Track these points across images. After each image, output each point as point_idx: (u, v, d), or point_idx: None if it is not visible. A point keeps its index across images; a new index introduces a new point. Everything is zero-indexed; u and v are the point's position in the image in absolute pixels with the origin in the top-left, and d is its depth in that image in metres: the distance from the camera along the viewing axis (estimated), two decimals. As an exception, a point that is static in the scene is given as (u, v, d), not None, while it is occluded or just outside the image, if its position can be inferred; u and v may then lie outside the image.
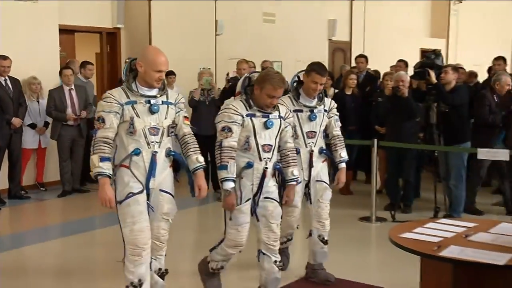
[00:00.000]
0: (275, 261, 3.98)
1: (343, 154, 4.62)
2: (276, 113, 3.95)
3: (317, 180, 4.54)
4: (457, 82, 6.81)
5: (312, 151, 4.47)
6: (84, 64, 8.58)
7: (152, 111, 3.57)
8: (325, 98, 4.59)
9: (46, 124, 8.01)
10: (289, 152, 4.10)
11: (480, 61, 12.47)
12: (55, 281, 4.95)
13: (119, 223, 3.62)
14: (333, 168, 4.85)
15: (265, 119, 3.89)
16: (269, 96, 3.81)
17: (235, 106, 3.86)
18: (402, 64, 8.80)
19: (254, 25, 11.01)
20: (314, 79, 4.33)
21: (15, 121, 7.39)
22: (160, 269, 3.82)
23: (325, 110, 4.54)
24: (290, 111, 4.23)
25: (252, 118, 3.86)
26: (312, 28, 12.29)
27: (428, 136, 6.77)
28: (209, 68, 9.25)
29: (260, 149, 3.89)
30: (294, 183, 4.11)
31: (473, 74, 9.41)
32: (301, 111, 4.44)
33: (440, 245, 3.11)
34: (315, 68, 4.37)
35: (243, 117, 3.83)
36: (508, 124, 6.70)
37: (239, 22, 10.64)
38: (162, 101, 3.62)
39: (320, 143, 4.55)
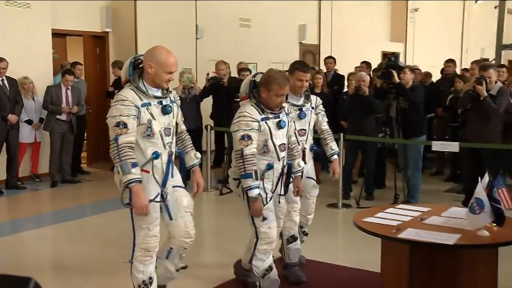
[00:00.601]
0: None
1: (334, 146, 4.44)
2: (283, 112, 3.74)
3: (307, 177, 4.32)
4: (413, 81, 6.91)
5: (305, 148, 4.23)
6: (73, 64, 8.52)
7: (166, 111, 3.25)
8: (311, 96, 4.37)
9: (41, 120, 7.94)
10: (294, 146, 3.91)
11: (434, 63, 12.62)
12: (49, 262, 4.93)
13: (132, 226, 3.30)
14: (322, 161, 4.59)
15: (277, 120, 3.66)
16: (277, 96, 3.57)
17: (250, 113, 3.57)
18: (365, 65, 8.87)
19: (231, 30, 10.97)
20: (299, 77, 4.08)
21: (11, 117, 7.34)
22: (182, 267, 3.59)
23: (312, 107, 4.32)
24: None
25: (267, 121, 3.61)
26: (284, 32, 12.28)
27: (389, 130, 6.85)
28: (190, 69, 9.20)
29: (278, 149, 3.67)
30: (301, 173, 3.95)
31: (428, 75, 9.53)
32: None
33: (399, 228, 3.14)
34: (297, 66, 4.15)
35: (259, 123, 3.57)
36: (465, 121, 6.79)
37: (217, 26, 10.60)
38: (170, 101, 3.32)
39: (310, 140, 4.33)
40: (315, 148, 4.39)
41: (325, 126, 4.45)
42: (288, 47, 12.38)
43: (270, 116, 3.63)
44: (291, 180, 3.87)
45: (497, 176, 3.13)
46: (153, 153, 3.21)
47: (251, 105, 3.62)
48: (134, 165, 3.09)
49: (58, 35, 8.93)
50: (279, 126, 3.66)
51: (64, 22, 8.83)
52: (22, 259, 4.95)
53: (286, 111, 3.79)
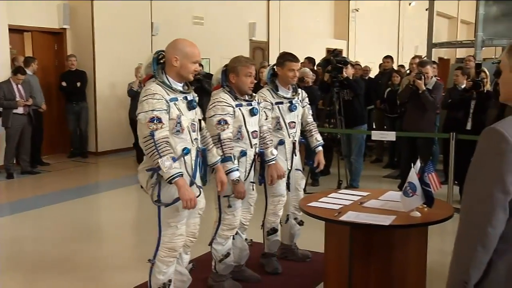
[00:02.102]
0: (246, 239, 3.90)
1: (319, 137, 4.33)
2: (255, 101, 3.67)
3: (296, 169, 4.22)
4: (354, 76, 7.06)
5: (295, 140, 4.11)
6: (27, 60, 8.27)
7: (191, 107, 3.05)
8: (298, 89, 4.22)
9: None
10: (266, 134, 3.78)
11: (373, 59, 12.88)
12: (8, 249, 4.78)
13: (158, 224, 3.05)
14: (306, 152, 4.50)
15: (250, 107, 3.59)
16: (247, 76, 3.50)
17: (224, 98, 3.47)
18: (307, 61, 8.96)
19: (185, 27, 10.84)
20: (290, 67, 3.97)
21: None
22: (192, 263, 3.41)
23: (300, 100, 4.18)
24: (272, 103, 3.96)
25: (240, 108, 3.53)
26: (235, 30, 12.25)
27: (333, 121, 6.96)
28: (147, 64, 9.07)
29: (251, 136, 3.59)
30: (274, 162, 3.80)
31: (367, 68, 9.73)
32: (281, 103, 4.02)
33: (340, 211, 3.17)
34: (288, 57, 4.02)
35: (233, 108, 3.48)
36: (403, 113, 6.97)
37: (172, 24, 10.46)
38: (193, 96, 3.12)
39: (299, 133, 4.19)
40: (303, 140, 4.31)
41: (310, 119, 4.35)
42: (239, 43, 12.36)
43: (243, 103, 3.57)
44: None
45: (428, 162, 3.23)
46: (183, 149, 2.99)
47: (225, 92, 3.54)
48: (174, 159, 2.87)
49: (16, 31, 8.63)
50: (252, 113, 3.60)
51: (22, 18, 8.51)
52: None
53: (258, 101, 3.73)
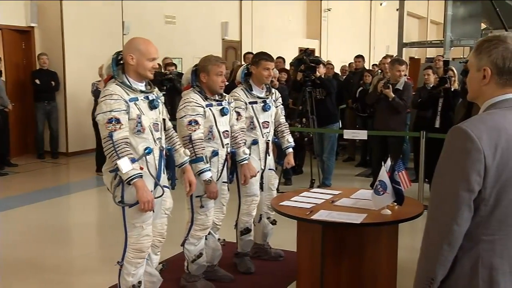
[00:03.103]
0: (218, 239, 3.89)
1: (290, 139, 4.34)
2: (225, 101, 3.66)
3: (269, 169, 4.22)
4: (325, 75, 7.11)
5: (269, 140, 4.11)
6: None
7: (153, 106, 3.02)
8: (272, 89, 4.22)
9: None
10: (237, 134, 3.76)
11: (345, 58, 12.99)
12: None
13: (124, 226, 3.02)
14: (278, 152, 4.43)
15: (220, 107, 3.58)
16: (217, 75, 3.50)
17: (194, 99, 3.46)
18: (281, 60, 8.98)
19: (157, 26, 10.76)
20: (265, 66, 3.97)
21: None
22: (162, 264, 3.39)
23: (273, 100, 4.18)
24: (246, 103, 3.95)
25: (210, 108, 3.52)
26: (207, 29, 12.21)
27: (305, 120, 6.98)
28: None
29: (222, 136, 3.59)
30: (247, 161, 3.80)
31: (344, 68, 9.81)
32: (255, 102, 4.01)
33: (312, 210, 3.18)
34: (263, 57, 4.03)
35: (204, 108, 3.47)
36: (373, 112, 7.05)
37: (143, 23, 10.36)
38: (156, 95, 3.09)
39: (272, 133, 4.19)
40: (276, 140, 4.29)
41: (283, 119, 4.35)
42: (211, 43, 12.31)
43: (214, 103, 3.56)
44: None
45: (398, 160, 3.27)
46: (145, 149, 2.96)
47: (195, 92, 3.53)
48: (133, 160, 2.84)
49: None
50: (223, 113, 3.59)
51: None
52: None
53: (228, 100, 3.72)
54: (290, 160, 4.35)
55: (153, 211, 3.03)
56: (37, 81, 8.77)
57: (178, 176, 3.34)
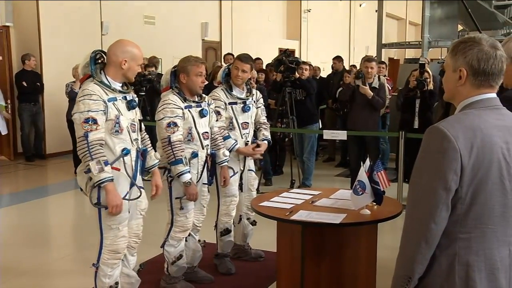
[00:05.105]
0: (199, 240, 3.88)
1: (266, 133, 4.28)
2: (205, 102, 3.66)
3: (249, 170, 4.22)
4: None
5: (248, 141, 4.10)
6: None
7: (132, 106, 3.01)
8: (253, 90, 4.22)
9: None
10: (217, 136, 3.77)
11: (325, 59, 13.07)
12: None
13: (100, 227, 3.00)
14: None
15: (199, 108, 3.57)
16: (197, 75, 3.49)
17: (173, 101, 3.44)
18: (260, 61, 9.00)
19: (136, 26, 10.69)
20: (235, 64, 3.99)
21: None
22: (140, 265, 3.36)
23: (254, 101, 4.18)
24: (225, 103, 3.94)
25: (189, 109, 3.51)
26: (187, 30, 12.16)
27: (286, 120, 7.00)
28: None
29: (201, 137, 3.57)
30: (227, 163, 3.83)
31: (317, 68, 9.87)
32: (235, 103, 4.02)
33: (292, 211, 3.19)
34: (239, 56, 4.07)
35: (182, 110, 3.46)
36: (348, 111, 7.08)
37: (122, 23, 10.29)
38: (132, 96, 3.07)
39: (252, 133, 4.18)
40: (255, 141, 4.25)
41: (263, 119, 4.33)
42: (191, 43, 12.28)
43: (193, 104, 3.55)
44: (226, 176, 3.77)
45: (377, 160, 3.29)
46: (123, 150, 2.95)
47: (174, 94, 3.51)
48: (106, 163, 2.82)
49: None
50: (202, 114, 3.59)
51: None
52: None
53: (208, 102, 3.71)
54: (263, 148, 4.16)
55: (129, 212, 3.03)
56: (24, 83, 8.64)
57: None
